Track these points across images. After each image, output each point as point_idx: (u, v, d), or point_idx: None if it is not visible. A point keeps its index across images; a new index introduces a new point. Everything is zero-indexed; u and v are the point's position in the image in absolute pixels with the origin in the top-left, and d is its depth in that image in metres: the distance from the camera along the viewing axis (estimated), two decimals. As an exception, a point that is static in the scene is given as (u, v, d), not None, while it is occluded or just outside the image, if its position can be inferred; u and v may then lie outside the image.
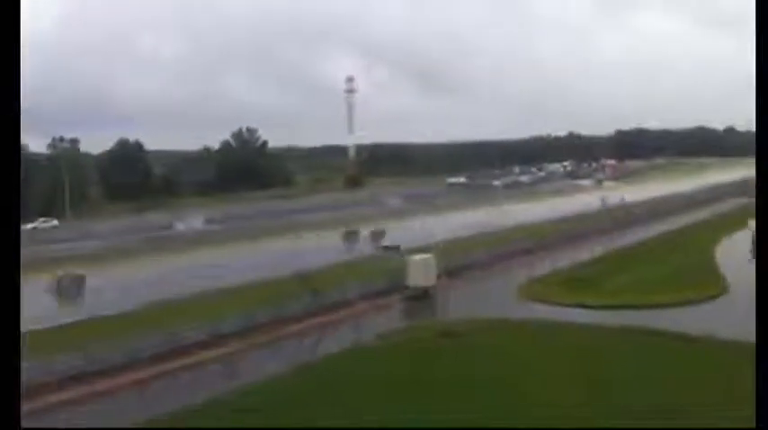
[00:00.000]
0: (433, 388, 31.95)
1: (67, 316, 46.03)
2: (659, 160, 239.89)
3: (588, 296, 51.26)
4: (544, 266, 63.45)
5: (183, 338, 40.09)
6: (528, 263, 65.02)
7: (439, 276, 54.57)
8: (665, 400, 29.59)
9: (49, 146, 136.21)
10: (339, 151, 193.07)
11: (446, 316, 46.89)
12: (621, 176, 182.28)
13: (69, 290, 56.04)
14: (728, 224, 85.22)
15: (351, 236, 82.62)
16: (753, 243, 62.66)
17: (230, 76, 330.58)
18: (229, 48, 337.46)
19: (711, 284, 54.23)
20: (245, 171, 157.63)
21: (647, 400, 29.56)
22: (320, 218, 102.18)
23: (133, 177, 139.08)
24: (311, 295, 48.67)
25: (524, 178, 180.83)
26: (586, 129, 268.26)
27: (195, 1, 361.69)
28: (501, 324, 43.83)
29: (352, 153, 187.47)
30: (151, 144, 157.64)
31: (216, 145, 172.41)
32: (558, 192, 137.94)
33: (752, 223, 65.84)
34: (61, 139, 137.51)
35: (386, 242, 73.21)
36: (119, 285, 57.79)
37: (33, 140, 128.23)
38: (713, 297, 50.94)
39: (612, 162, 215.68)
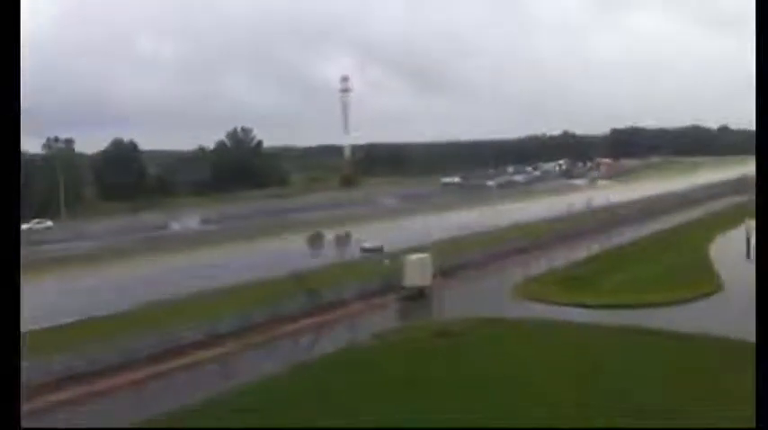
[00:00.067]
0: (429, 387, 32.00)
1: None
2: (654, 159, 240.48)
3: (584, 295, 51.37)
4: (539, 265, 63.55)
5: (178, 338, 40.06)
6: (523, 262, 65.15)
7: (434, 276, 54.60)
8: (660, 399, 29.70)
9: (44, 146, 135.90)
10: (334, 151, 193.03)
11: (442, 315, 46.92)
12: (616, 175, 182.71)
13: None
14: (722, 222, 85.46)
15: (316, 239, 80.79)
16: (747, 241, 63.06)
17: (226, 75, 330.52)
18: (224, 48, 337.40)
19: (706, 283, 54.33)
20: (240, 171, 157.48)
21: (642, 399, 29.66)
22: (316, 217, 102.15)
23: (128, 177, 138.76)
24: (307, 295, 48.64)
25: (519, 177, 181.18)
26: (582, 128, 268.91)
27: (191, 1, 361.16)
28: (497, 323, 43.90)
29: (347, 153, 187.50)
30: (146, 144, 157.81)
31: (211, 145, 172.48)
32: (553, 192, 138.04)
33: (748, 221, 66.08)
34: (56, 140, 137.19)
35: (367, 243, 72.28)
36: (114, 285, 57.82)
37: (28, 141, 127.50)
38: (707, 295, 51.00)
39: (607, 161, 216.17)
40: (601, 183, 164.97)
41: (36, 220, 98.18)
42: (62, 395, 33.31)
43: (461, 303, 50.02)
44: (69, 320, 44.66)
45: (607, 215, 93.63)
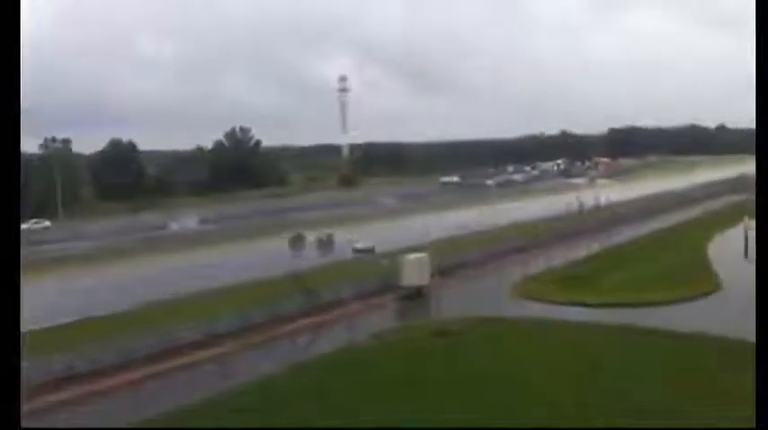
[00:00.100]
0: (427, 387, 32.02)
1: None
2: (652, 158, 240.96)
3: (582, 294, 51.38)
4: (538, 264, 63.56)
5: (177, 338, 40.04)
6: (521, 261, 65.15)
7: (433, 275, 54.60)
8: (658, 398, 29.75)
9: (41, 146, 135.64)
10: (333, 150, 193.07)
11: (440, 315, 46.92)
12: (614, 174, 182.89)
13: None
14: (720, 222, 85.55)
15: (297, 241, 79.19)
16: (745, 240, 63.07)
17: (224, 75, 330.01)
18: (222, 47, 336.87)
19: (704, 282, 54.37)
20: (238, 170, 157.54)
21: (640, 398, 29.70)
22: (314, 217, 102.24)
23: (126, 177, 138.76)
24: (305, 295, 48.61)
25: (518, 177, 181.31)
26: (580, 127, 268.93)
27: (189, 0, 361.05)
28: (495, 322, 43.93)
29: (345, 152, 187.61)
30: (144, 144, 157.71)
31: (209, 145, 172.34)
32: (551, 191, 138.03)
33: (746, 221, 66.11)
34: (53, 140, 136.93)
35: (359, 244, 71.84)
36: (112, 286, 57.84)
37: (25, 141, 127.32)
38: (706, 294, 51.03)
39: (605, 160, 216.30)
40: (599, 182, 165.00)
41: (34, 221, 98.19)
42: (59, 396, 33.28)
43: (459, 303, 50.04)
44: (66, 321, 44.72)
45: (605, 214, 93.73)
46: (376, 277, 54.55)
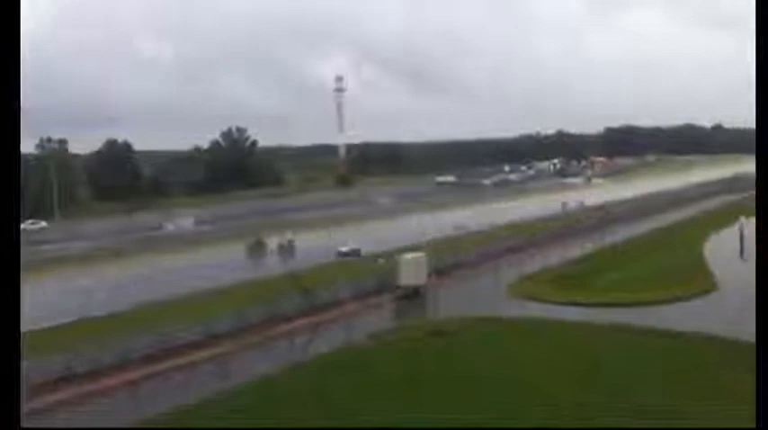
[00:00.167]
0: (425, 387, 32.06)
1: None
2: (649, 157, 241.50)
3: (578, 294, 51.42)
4: (533, 264, 63.57)
5: (174, 339, 39.97)
6: (517, 261, 65.14)
7: (429, 275, 54.65)
8: (656, 398, 29.85)
9: (37, 146, 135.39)
10: (330, 150, 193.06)
11: (437, 314, 46.95)
12: (611, 174, 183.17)
13: None
14: (716, 221, 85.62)
15: (256, 248, 76.27)
16: (741, 240, 63.22)
17: (221, 75, 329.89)
18: (219, 48, 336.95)
19: (699, 282, 54.41)
20: (235, 171, 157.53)
21: (636, 398, 29.78)
22: (311, 217, 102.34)
23: (122, 178, 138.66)
24: (302, 295, 48.57)
25: (514, 176, 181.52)
26: (576, 127, 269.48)
27: (186, 0, 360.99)
28: (492, 322, 43.96)
29: (342, 152, 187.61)
30: (140, 144, 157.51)
31: (206, 145, 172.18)
32: (548, 190, 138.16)
33: (742, 220, 66.29)
34: (49, 140, 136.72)
35: (343, 247, 70.96)
36: (108, 286, 57.81)
37: (21, 141, 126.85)
38: (701, 294, 51.04)
39: (602, 159, 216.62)
40: (595, 181, 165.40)
41: (30, 221, 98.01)
42: (57, 396, 33.25)
43: (456, 302, 50.08)
44: (63, 321, 44.68)
45: (601, 213, 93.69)
46: (373, 277, 54.48)
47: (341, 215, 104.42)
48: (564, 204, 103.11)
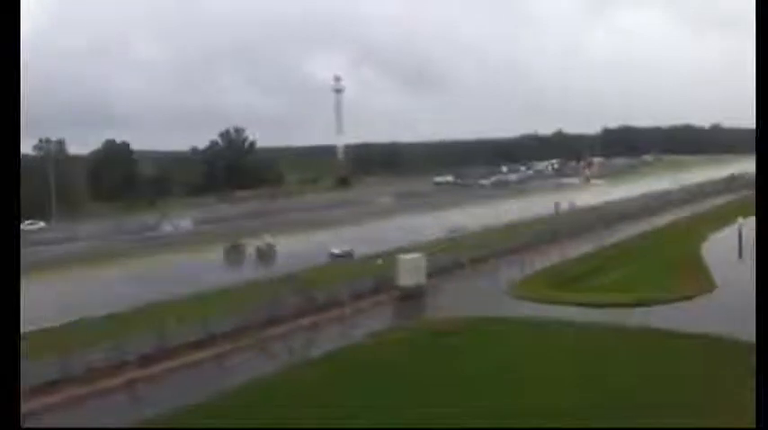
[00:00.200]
0: (424, 387, 32.09)
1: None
2: (646, 157, 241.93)
3: (576, 294, 51.43)
4: (533, 265, 63.48)
5: (171, 339, 39.90)
6: (516, 261, 64.99)
7: (428, 275, 54.68)
8: (657, 399, 29.92)
9: (36, 147, 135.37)
10: (328, 151, 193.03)
11: (436, 314, 47.00)
12: (609, 174, 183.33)
13: None
14: (714, 221, 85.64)
15: (233, 252, 74.27)
16: (739, 240, 63.20)
17: (219, 76, 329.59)
18: (218, 48, 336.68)
19: (700, 281, 54.41)
20: (234, 171, 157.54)
21: (638, 397, 29.83)
22: (308, 217, 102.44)
23: (120, 178, 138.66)
24: (301, 295, 48.53)
25: (512, 176, 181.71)
26: (574, 127, 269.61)
27: (185, 1, 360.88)
28: (491, 322, 43.97)
29: (340, 152, 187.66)
30: (139, 145, 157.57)
31: (204, 145, 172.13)
32: (546, 191, 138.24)
33: (740, 221, 66.24)
34: (48, 140, 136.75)
35: (336, 249, 70.64)
36: (106, 287, 57.84)
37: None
38: (700, 294, 51.05)
39: (600, 159, 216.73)
40: (593, 181, 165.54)
41: (29, 221, 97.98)
42: (57, 397, 33.24)
43: (455, 302, 50.10)
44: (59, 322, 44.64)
45: (600, 214, 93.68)
46: (372, 277, 54.49)
47: (338, 216, 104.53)
48: (561, 204, 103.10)
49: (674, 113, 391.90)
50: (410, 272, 53.49)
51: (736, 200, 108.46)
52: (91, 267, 68.77)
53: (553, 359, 35.68)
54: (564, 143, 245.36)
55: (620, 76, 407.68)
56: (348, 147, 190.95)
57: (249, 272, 64.17)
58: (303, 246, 75.63)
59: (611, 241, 75.46)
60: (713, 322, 40.59)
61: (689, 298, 49.34)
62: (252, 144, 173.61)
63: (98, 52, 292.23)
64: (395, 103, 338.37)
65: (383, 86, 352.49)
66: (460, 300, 51.06)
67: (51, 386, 33.47)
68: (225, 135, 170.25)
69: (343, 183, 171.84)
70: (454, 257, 62.97)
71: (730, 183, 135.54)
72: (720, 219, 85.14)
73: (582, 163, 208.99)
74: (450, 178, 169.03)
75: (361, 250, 69.67)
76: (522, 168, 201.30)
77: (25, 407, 23.80)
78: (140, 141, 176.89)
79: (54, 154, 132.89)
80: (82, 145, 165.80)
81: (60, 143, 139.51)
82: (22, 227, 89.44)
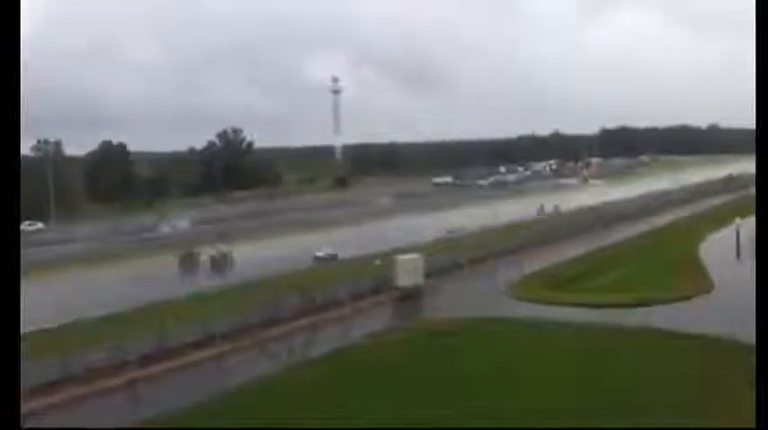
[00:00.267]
0: (422, 387, 32.11)
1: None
2: (644, 158, 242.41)
3: (574, 294, 51.46)
4: (531, 265, 63.49)
5: (171, 340, 39.87)
6: (515, 262, 65.00)
7: (426, 275, 54.69)
8: (659, 399, 29.96)
9: (34, 148, 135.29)
10: (327, 151, 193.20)
11: (434, 315, 47.01)
12: (607, 174, 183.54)
13: None
14: (712, 221, 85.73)
15: (187, 260, 69.46)
16: (737, 240, 63.31)
17: (217, 76, 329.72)
18: (216, 48, 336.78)
19: (698, 281, 54.44)
20: (232, 171, 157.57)
21: (636, 397, 29.87)
22: (306, 217, 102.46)
23: (118, 179, 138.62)
24: (299, 295, 48.51)
25: (510, 177, 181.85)
26: (572, 127, 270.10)
27: (183, 1, 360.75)
28: (489, 322, 43.98)
29: (338, 153, 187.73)
30: (136, 146, 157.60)
31: (202, 146, 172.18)
32: (544, 191, 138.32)
33: (738, 221, 66.38)
34: (45, 142, 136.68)
35: (320, 252, 69.73)
36: (105, 287, 57.78)
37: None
38: (699, 294, 51.07)
39: (597, 160, 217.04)
40: (591, 182, 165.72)
41: (27, 223, 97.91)
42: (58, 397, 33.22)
43: (453, 303, 50.12)
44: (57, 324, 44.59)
45: (598, 214, 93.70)
46: (370, 277, 54.48)
47: (335, 216, 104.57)
48: (559, 205, 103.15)
49: (672, 114, 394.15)
50: (408, 272, 53.52)
51: (733, 200, 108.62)
52: (89, 268, 68.71)
53: (552, 359, 35.72)
54: (562, 144, 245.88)
55: (618, 76, 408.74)
56: (346, 148, 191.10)
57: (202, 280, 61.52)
58: (289, 249, 74.65)
59: (609, 241, 75.45)
60: (711, 322, 40.55)
61: (687, 298, 49.34)
62: (250, 144, 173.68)
63: (95, 52, 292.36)
64: (394, 104, 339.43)
65: (383, 86, 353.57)
66: (459, 301, 51.07)
67: (51, 386, 33.45)
68: (222, 135, 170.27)
69: (342, 183, 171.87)
70: (452, 258, 62.96)
71: (728, 183, 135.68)
72: (718, 219, 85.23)
73: (580, 163, 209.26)
74: (448, 179, 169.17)
75: (359, 251, 69.59)
76: (520, 169, 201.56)
77: (25, 407, 23.90)
78: (137, 142, 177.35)
79: (52, 155, 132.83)
80: (78, 146, 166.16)
81: (57, 144, 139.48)
82: (21, 228, 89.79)
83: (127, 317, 46.33)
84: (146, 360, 37.26)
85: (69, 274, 66.15)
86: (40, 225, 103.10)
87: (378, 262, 59.72)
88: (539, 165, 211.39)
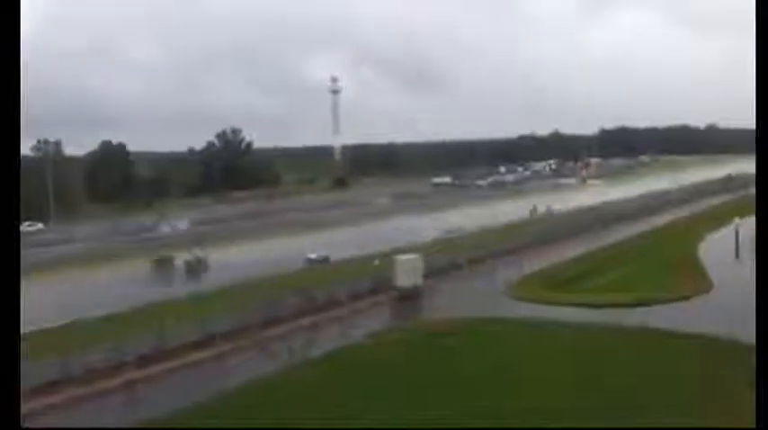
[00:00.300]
0: (422, 387, 32.12)
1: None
2: (643, 158, 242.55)
3: (573, 295, 51.45)
4: (530, 265, 63.49)
5: (170, 340, 39.87)
6: (514, 262, 65.00)
7: (425, 276, 54.69)
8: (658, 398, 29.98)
9: (34, 148, 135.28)
10: (326, 151, 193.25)
11: (433, 315, 46.99)
12: (606, 174, 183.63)
13: None
14: (711, 221, 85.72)
15: (162, 265, 69.04)
16: (736, 240, 63.34)
17: (217, 76, 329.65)
18: (215, 48, 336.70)
19: (697, 281, 54.44)
20: (231, 172, 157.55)
21: (635, 397, 29.89)
22: (304, 218, 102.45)
23: (117, 179, 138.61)
24: (299, 295, 48.52)
25: (510, 177, 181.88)
26: (571, 127, 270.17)
27: (182, 1, 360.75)
28: (488, 322, 43.98)
29: (338, 153, 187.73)
30: (136, 146, 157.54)
31: (201, 146, 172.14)
32: (543, 191, 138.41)
33: (737, 221, 66.40)
34: (45, 142, 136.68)
35: (312, 254, 68.72)
36: (105, 287, 57.79)
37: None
38: (699, 293, 51.08)
39: (597, 160, 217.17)
40: (590, 182, 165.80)
41: (27, 223, 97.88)
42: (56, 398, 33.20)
43: (452, 303, 50.12)
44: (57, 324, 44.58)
45: (598, 214, 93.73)
46: (369, 277, 54.49)
47: (334, 216, 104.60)
48: (559, 205, 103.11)
49: (671, 114, 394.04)
50: (407, 272, 53.52)
51: (732, 200, 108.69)
52: (89, 268, 68.69)
53: (551, 359, 35.74)
54: (561, 144, 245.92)
55: (618, 76, 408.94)
56: (346, 148, 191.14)
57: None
58: (285, 250, 74.59)
59: (608, 241, 75.41)
60: (710, 322, 40.56)
61: (686, 298, 49.34)
62: (249, 145, 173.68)
63: (95, 52, 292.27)
64: (394, 104, 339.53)
65: (382, 86, 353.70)
66: (458, 301, 51.04)
67: (51, 386, 33.42)
68: (222, 136, 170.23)
69: (341, 183, 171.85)
70: (451, 258, 62.96)
71: (727, 183, 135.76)
72: (717, 219, 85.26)
73: (579, 163, 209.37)
74: (447, 179, 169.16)
75: (357, 252, 69.58)
76: (520, 169, 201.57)
77: (25, 407, 23.92)
78: (137, 142, 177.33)
79: (52, 155, 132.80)
80: (78, 146, 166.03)
81: (57, 144, 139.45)
82: (21, 228, 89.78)
83: (127, 317, 46.37)
84: (145, 360, 37.30)
85: (69, 274, 66.15)
86: (39, 225, 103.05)
87: (376, 262, 59.76)
88: (538, 166, 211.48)
